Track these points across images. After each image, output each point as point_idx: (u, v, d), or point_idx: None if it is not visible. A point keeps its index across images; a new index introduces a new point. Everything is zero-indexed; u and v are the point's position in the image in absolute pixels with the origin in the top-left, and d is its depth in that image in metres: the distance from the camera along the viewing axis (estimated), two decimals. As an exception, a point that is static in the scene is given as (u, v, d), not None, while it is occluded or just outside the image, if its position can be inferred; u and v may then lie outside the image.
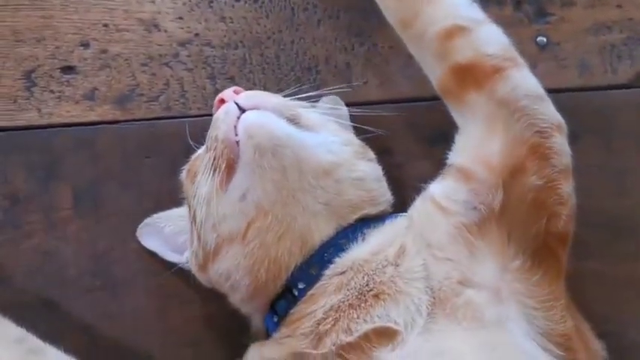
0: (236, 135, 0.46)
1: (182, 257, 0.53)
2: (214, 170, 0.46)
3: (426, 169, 0.51)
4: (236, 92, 0.48)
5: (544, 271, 0.47)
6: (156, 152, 0.57)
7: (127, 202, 0.57)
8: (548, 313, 0.46)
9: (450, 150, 0.49)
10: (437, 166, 0.50)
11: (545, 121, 0.48)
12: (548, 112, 0.48)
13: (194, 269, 0.51)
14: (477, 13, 0.50)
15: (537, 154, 0.47)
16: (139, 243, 0.55)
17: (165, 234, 0.55)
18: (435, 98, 0.54)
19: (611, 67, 0.62)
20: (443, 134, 0.54)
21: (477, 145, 0.48)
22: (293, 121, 0.47)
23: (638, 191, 0.60)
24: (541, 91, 0.49)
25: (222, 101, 0.48)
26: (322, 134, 0.49)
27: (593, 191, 0.56)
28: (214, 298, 0.53)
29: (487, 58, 0.48)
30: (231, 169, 0.46)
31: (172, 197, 0.55)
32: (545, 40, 0.62)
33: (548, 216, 0.47)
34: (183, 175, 0.52)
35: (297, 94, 0.50)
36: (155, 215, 0.55)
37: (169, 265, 0.54)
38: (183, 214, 0.53)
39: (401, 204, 0.51)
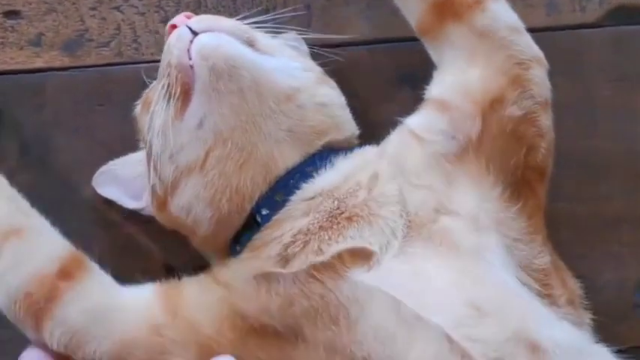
0: (190, 59, 0.44)
1: (141, 202, 0.51)
2: (169, 98, 0.45)
3: (392, 111, 0.50)
4: (187, 17, 0.46)
5: (523, 203, 0.46)
6: (108, 100, 0.55)
7: (78, 151, 0.54)
8: (528, 246, 0.46)
9: (417, 91, 0.48)
10: (403, 108, 0.48)
11: (524, 54, 0.48)
12: (528, 45, 0.48)
13: (153, 209, 0.49)
14: None
15: (517, 85, 0.47)
16: (91, 194, 0.52)
17: (122, 180, 0.52)
18: (399, 40, 0.56)
19: (580, 6, 0.60)
20: (409, 76, 0.55)
21: (456, 77, 0.47)
22: (249, 44, 0.46)
23: (608, 131, 0.59)
24: (520, 24, 0.48)
25: (174, 27, 0.46)
26: (281, 59, 0.47)
27: (563, 132, 0.54)
28: (173, 247, 0.51)
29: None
30: (186, 95, 0.45)
31: (126, 146, 0.52)
32: None
33: (527, 148, 0.47)
34: (138, 109, 0.50)
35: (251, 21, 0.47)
36: (111, 162, 0.52)
37: (125, 215, 0.52)
38: (141, 158, 0.51)
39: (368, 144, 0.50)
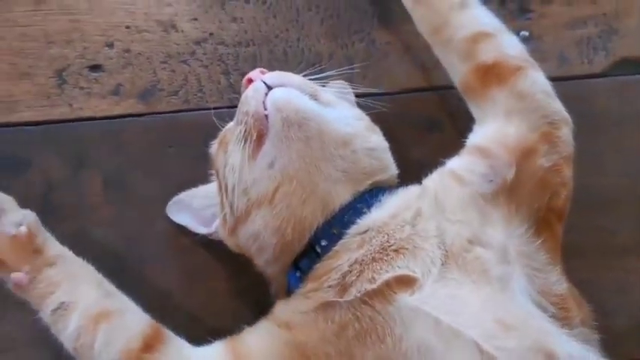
0: (265, 109, 0.51)
1: (210, 229, 0.59)
2: (245, 141, 0.52)
3: (424, 153, 0.57)
4: (262, 72, 0.55)
5: (543, 240, 0.55)
6: (177, 142, 0.63)
7: (152, 188, 0.62)
8: (547, 275, 0.53)
9: (452, 138, 0.58)
10: (432, 151, 0.57)
11: (556, 114, 0.57)
12: (558, 107, 0.57)
13: (223, 235, 0.57)
14: (497, 22, 0.60)
15: (547, 141, 0.55)
16: (165, 225, 0.61)
17: (193, 208, 0.61)
18: (429, 89, 0.64)
19: (588, 59, 0.69)
20: (440, 122, 0.64)
21: (495, 130, 0.56)
22: (313, 97, 0.54)
23: (614, 170, 0.67)
24: (551, 89, 0.57)
25: (250, 81, 0.54)
26: (339, 109, 0.55)
27: (574, 170, 0.62)
28: (239, 272, 0.58)
29: (510, 59, 0.58)
30: (260, 139, 0.53)
31: (193, 183, 0.61)
32: (527, 34, 0.69)
33: (550, 194, 0.55)
34: (214, 147, 0.58)
35: (312, 76, 0.55)
36: (183, 193, 0.61)
37: (196, 244, 0.60)
38: (208, 190, 0.60)
39: (402, 185, 0.56)
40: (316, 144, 0.51)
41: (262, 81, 0.53)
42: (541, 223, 0.54)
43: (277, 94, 0.52)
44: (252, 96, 0.53)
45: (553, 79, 0.64)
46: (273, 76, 0.54)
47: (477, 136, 0.56)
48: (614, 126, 0.67)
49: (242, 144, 0.53)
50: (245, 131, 0.52)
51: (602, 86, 0.68)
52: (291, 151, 0.51)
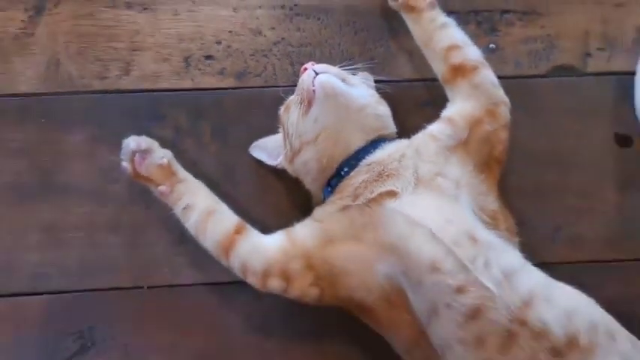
0: (313, 86, 0.82)
1: (277, 161, 0.90)
2: (301, 105, 0.83)
3: (418, 122, 0.88)
4: (312, 64, 0.85)
5: (485, 176, 0.83)
6: (258, 107, 0.94)
7: (242, 134, 0.93)
8: (485, 198, 0.83)
9: (436, 112, 0.86)
10: (422, 120, 0.86)
11: (498, 98, 0.86)
12: (500, 94, 0.87)
13: (285, 164, 0.88)
14: (465, 37, 0.89)
15: (490, 114, 0.85)
16: (249, 159, 0.92)
17: (266, 149, 0.92)
18: (425, 80, 0.94)
19: (535, 64, 0.98)
20: (429, 101, 0.94)
21: (459, 107, 0.85)
22: (344, 81, 0.84)
23: (545, 136, 0.95)
24: (497, 81, 0.87)
25: (305, 69, 0.85)
26: (360, 89, 0.85)
27: (525, 138, 0.92)
28: (295, 190, 0.90)
29: (470, 62, 0.87)
30: (309, 104, 0.83)
31: (267, 132, 0.92)
32: (494, 46, 0.99)
33: (491, 147, 0.84)
34: (282, 110, 0.89)
35: (345, 67, 0.86)
36: (260, 140, 0.92)
37: (268, 172, 0.92)
38: (276, 139, 0.91)
39: (399, 138, 0.87)
40: (343, 109, 0.82)
41: (312, 69, 0.84)
42: (484, 166, 0.83)
43: (321, 78, 0.82)
44: (306, 78, 0.84)
45: (510, 77, 0.94)
46: (319, 66, 0.85)
47: (448, 111, 0.86)
48: (549, 109, 0.97)
49: (299, 107, 0.84)
50: (301, 99, 0.84)
51: (544, 83, 0.98)
52: (328, 112, 0.82)
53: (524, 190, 0.93)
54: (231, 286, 0.86)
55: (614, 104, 0.96)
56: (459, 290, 0.73)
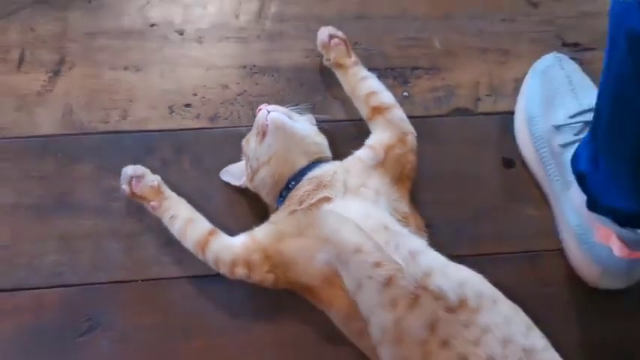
0: (266, 121, 1.09)
1: (241, 182, 1.15)
2: (257, 135, 1.10)
3: (348, 149, 1.12)
4: (266, 105, 1.12)
5: (398, 187, 1.09)
6: (227, 142, 1.20)
7: (215, 164, 1.17)
8: (399, 202, 1.07)
9: (361, 142, 1.13)
10: (353, 148, 1.10)
11: (406, 129, 1.14)
12: (408, 126, 1.14)
13: (247, 183, 1.12)
14: (381, 86, 1.17)
15: (401, 142, 1.12)
16: (220, 182, 1.16)
17: (232, 173, 1.16)
18: (353, 120, 1.21)
19: (438, 107, 1.25)
20: (357, 135, 1.18)
21: (377, 137, 1.12)
22: (290, 117, 1.11)
23: (456, 163, 1.23)
24: (405, 117, 1.15)
25: (260, 109, 1.11)
26: (301, 123, 1.12)
27: (427, 160, 1.19)
28: (256, 203, 1.17)
29: (385, 104, 1.15)
30: (264, 135, 1.08)
31: (234, 161, 1.17)
32: (407, 94, 1.26)
33: (402, 166, 1.11)
34: (244, 141, 1.14)
35: (292, 108, 1.12)
36: (228, 167, 1.16)
37: (235, 190, 1.18)
38: (238, 166, 1.15)
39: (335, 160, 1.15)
40: (289, 137, 1.09)
41: (266, 109, 1.11)
42: (398, 180, 1.10)
43: (272, 115, 1.09)
44: (260, 115, 1.10)
45: (420, 117, 1.21)
46: (271, 107, 1.11)
47: (370, 141, 1.13)
48: (450, 141, 1.23)
49: (256, 138, 1.11)
50: (257, 132, 1.10)
51: (446, 121, 1.25)
52: (277, 140, 1.08)
53: (432, 201, 1.17)
54: (208, 279, 1.10)
55: (500, 135, 1.23)
56: (376, 265, 0.99)
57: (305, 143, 1.11)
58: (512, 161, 1.22)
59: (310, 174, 1.09)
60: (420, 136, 1.14)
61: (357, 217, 1.02)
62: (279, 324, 1.11)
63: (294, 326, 1.11)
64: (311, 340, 1.10)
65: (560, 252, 1.16)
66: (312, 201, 1.05)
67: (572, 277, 1.14)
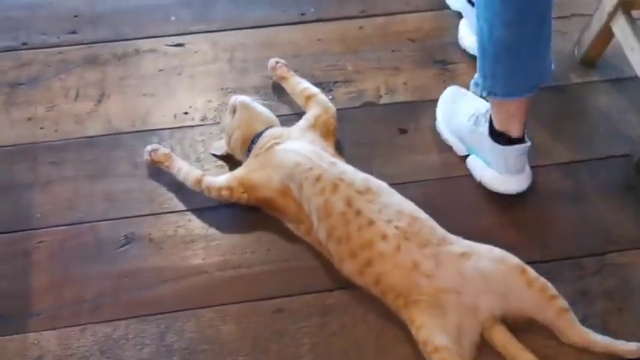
0: (236, 101, 1.74)
1: (223, 151, 1.78)
2: (230, 113, 1.75)
3: (293, 121, 1.77)
4: (236, 96, 1.78)
5: (326, 139, 1.72)
6: (213, 139, 1.83)
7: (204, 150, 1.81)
8: (326, 150, 1.67)
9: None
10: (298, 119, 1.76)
11: (328, 105, 1.78)
12: (329, 103, 1.78)
13: (227, 148, 1.76)
14: (311, 85, 1.84)
15: (325, 112, 1.76)
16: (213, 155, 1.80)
17: (218, 148, 1.78)
18: (297, 113, 1.84)
19: (353, 103, 1.90)
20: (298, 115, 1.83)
21: (310, 113, 1.76)
22: (252, 101, 1.77)
23: (365, 136, 1.85)
24: (327, 99, 1.80)
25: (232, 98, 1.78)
26: (259, 105, 1.76)
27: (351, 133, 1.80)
28: (233, 160, 1.75)
29: (313, 93, 1.81)
30: (234, 111, 1.74)
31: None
32: (332, 97, 1.90)
33: (327, 127, 1.74)
34: (221, 120, 1.80)
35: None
36: (213, 144, 1.80)
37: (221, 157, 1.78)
38: (220, 143, 1.78)
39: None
40: (250, 110, 1.73)
41: (235, 97, 1.77)
42: (325, 135, 1.71)
43: (239, 97, 1.75)
44: (232, 99, 1.75)
45: (340, 109, 1.84)
46: (239, 96, 1.77)
47: (306, 115, 1.76)
48: (361, 122, 1.86)
49: (230, 115, 1.75)
50: (230, 110, 1.75)
51: (358, 111, 1.88)
52: (243, 112, 1.72)
53: (348, 157, 1.71)
54: (210, 210, 1.68)
55: (396, 116, 1.86)
56: (310, 169, 1.58)
57: (261, 115, 1.76)
58: (405, 130, 1.82)
59: (266, 133, 1.72)
60: (342, 121, 1.77)
61: (296, 148, 1.65)
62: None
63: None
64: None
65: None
66: (268, 145, 1.67)
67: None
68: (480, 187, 1.72)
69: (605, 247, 1.64)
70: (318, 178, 1.57)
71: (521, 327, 1.48)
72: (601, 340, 1.48)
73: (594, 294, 1.57)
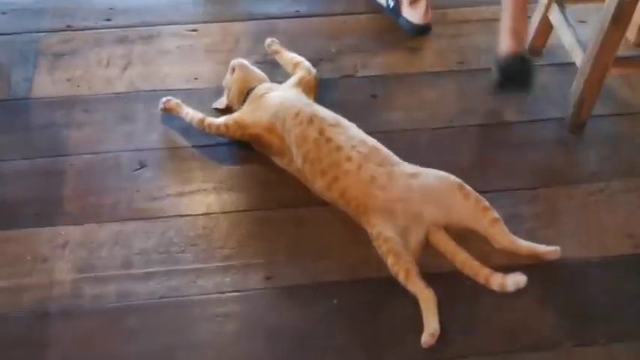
0: (236, 62, 2.16)
1: (224, 104, 2.17)
2: (230, 72, 2.16)
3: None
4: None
5: (307, 94, 2.11)
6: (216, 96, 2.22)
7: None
8: (310, 99, 2.10)
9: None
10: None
11: (311, 69, 2.17)
12: (312, 68, 2.19)
13: (226, 100, 2.16)
14: (298, 56, 2.24)
15: (308, 73, 2.16)
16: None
17: (219, 102, 2.19)
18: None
19: (335, 76, 2.29)
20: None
21: (297, 75, 2.16)
22: (251, 65, 2.19)
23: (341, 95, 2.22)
24: (311, 65, 2.21)
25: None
26: (256, 69, 2.19)
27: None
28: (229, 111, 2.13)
29: (300, 61, 2.20)
30: (234, 70, 2.15)
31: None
32: (316, 72, 2.30)
33: (310, 85, 2.13)
34: (224, 82, 2.19)
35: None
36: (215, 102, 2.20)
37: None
38: (222, 99, 2.19)
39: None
40: (246, 69, 2.15)
41: (235, 60, 2.18)
42: (308, 91, 2.10)
43: (239, 59, 2.17)
44: (233, 61, 2.17)
45: (325, 79, 2.24)
46: (238, 59, 2.19)
47: (294, 76, 2.16)
48: (340, 91, 2.26)
49: (230, 74, 2.16)
50: (231, 69, 2.17)
51: (339, 80, 2.28)
52: (241, 70, 2.13)
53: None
54: (210, 147, 2.05)
55: (371, 87, 2.25)
56: (291, 107, 1.97)
57: (255, 74, 2.17)
58: (376, 95, 2.21)
59: (258, 86, 2.10)
60: (323, 89, 2.17)
61: (281, 94, 2.06)
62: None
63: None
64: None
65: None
66: (259, 94, 2.06)
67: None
68: (432, 133, 2.09)
69: (537, 183, 1.98)
70: (297, 114, 1.94)
71: (462, 235, 1.81)
72: (526, 245, 1.81)
73: (524, 217, 1.90)
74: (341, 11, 2.51)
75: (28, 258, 1.78)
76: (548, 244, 1.81)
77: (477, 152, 2.09)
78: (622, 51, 2.05)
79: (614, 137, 2.14)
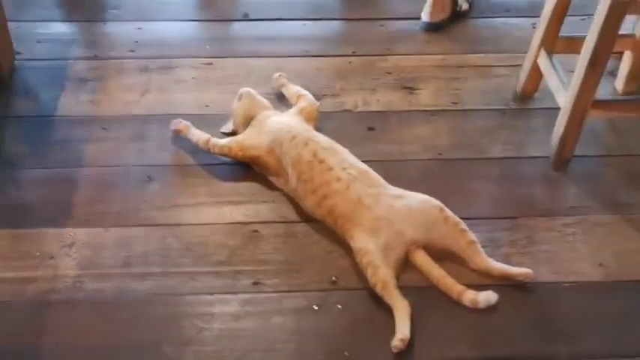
0: (242, 91, 2.34)
1: (230, 129, 2.34)
2: (238, 100, 2.34)
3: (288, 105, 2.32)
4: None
5: (309, 122, 2.27)
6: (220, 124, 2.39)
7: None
8: (309, 126, 2.26)
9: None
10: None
11: (313, 101, 2.34)
12: (314, 100, 2.38)
13: (233, 126, 2.33)
14: (301, 89, 2.42)
15: (310, 104, 2.32)
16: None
17: (225, 128, 2.37)
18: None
19: (337, 110, 2.45)
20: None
21: (300, 105, 2.33)
22: (256, 93, 2.37)
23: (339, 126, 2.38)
24: (313, 97, 2.39)
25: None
26: (261, 97, 2.36)
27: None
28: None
29: (303, 94, 2.38)
30: (240, 98, 2.32)
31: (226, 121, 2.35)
32: (319, 105, 2.46)
33: (311, 115, 2.29)
34: (234, 104, 2.36)
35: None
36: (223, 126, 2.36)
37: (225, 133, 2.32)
38: (228, 125, 2.36)
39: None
40: (252, 97, 2.32)
41: (242, 88, 2.36)
42: (309, 120, 2.27)
43: (245, 88, 2.35)
44: (240, 90, 2.36)
45: (324, 112, 2.40)
46: (245, 88, 2.37)
47: (297, 106, 2.33)
48: (340, 121, 2.41)
49: (237, 100, 2.34)
50: (238, 97, 2.34)
51: (339, 114, 2.44)
52: (246, 99, 2.31)
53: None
54: (214, 166, 2.21)
55: (369, 121, 2.39)
56: (288, 132, 2.15)
57: (260, 102, 2.34)
58: (373, 128, 2.36)
59: (262, 112, 2.26)
60: (323, 120, 2.34)
61: (281, 119, 2.22)
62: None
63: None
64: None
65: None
66: (261, 119, 2.23)
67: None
68: (421, 164, 2.23)
69: (517, 213, 2.10)
70: (293, 137, 2.10)
71: (440, 255, 1.93)
72: (499, 266, 1.92)
73: (501, 242, 2.01)
74: (348, 52, 2.70)
75: (37, 254, 1.94)
76: (522, 266, 1.92)
77: (462, 182, 2.21)
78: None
79: (596, 176, 2.25)
